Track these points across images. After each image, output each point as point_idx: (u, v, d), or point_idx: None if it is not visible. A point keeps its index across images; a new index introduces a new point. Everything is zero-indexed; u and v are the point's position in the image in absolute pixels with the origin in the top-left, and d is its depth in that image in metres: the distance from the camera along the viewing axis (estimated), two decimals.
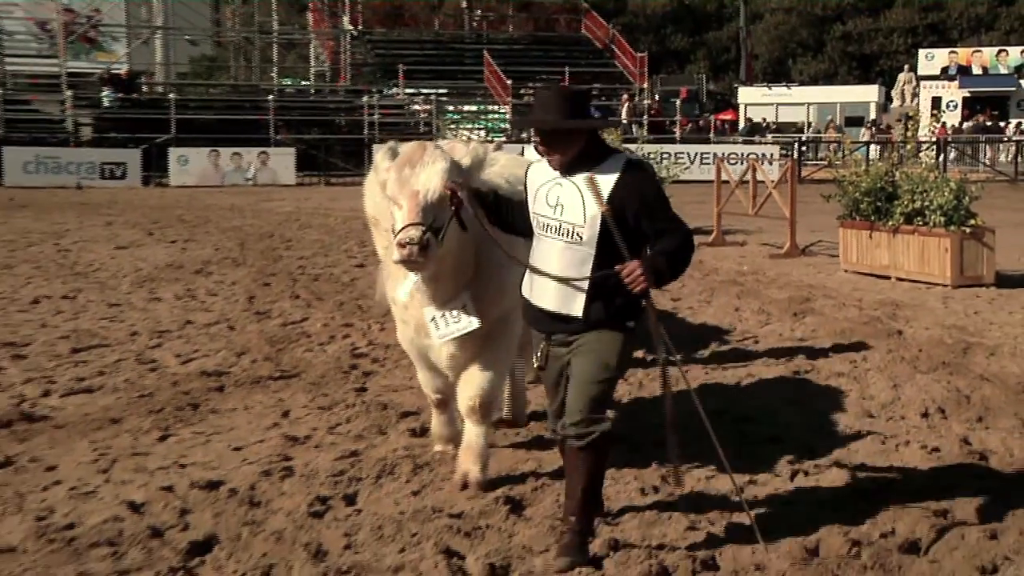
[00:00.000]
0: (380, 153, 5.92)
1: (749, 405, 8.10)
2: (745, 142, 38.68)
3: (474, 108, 39.68)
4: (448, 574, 5.04)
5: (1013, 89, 47.63)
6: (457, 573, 5.05)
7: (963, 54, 50.02)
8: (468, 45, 44.15)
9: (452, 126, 35.99)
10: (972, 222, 13.63)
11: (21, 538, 5.44)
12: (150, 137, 32.85)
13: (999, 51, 50.11)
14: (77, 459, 6.75)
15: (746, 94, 49.93)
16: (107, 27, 42.68)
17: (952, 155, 37.50)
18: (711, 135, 39.64)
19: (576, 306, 5.08)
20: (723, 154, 26.55)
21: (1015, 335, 10.63)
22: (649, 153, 21.06)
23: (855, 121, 47.16)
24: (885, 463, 6.71)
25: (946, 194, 13.66)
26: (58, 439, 7.17)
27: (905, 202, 14.00)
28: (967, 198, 13.73)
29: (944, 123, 43.26)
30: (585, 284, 5.07)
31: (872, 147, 35.94)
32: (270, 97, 36.47)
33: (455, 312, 5.94)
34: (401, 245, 5.35)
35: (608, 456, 5.37)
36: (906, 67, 51.77)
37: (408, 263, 5.42)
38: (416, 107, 38.81)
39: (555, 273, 5.09)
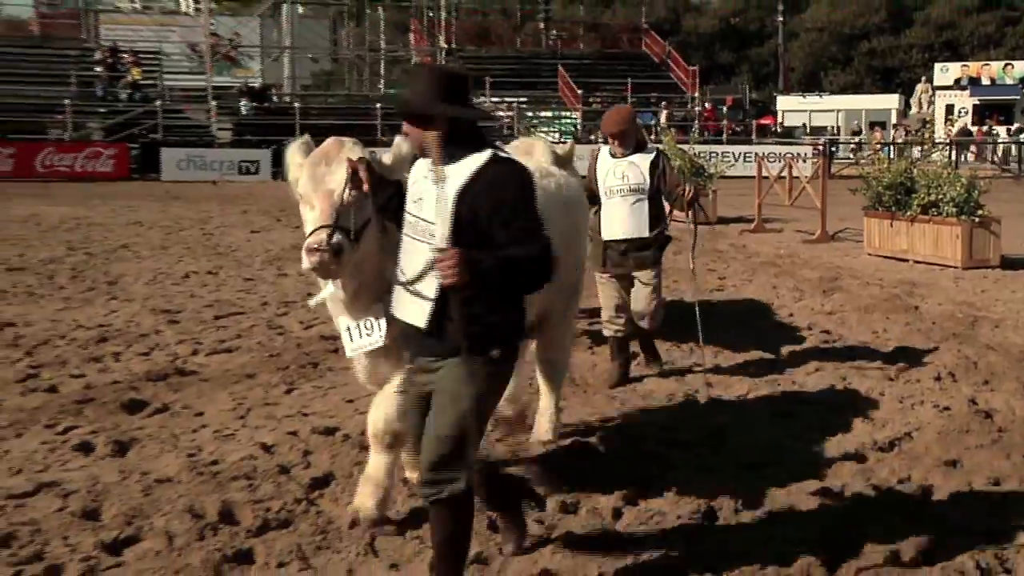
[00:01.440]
0: (292, 147, 4.72)
1: (783, 369, 8.01)
2: (783, 143, 38.08)
3: (549, 114, 39.48)
4: (525, 508, 5.04)
5: (1017, 98, 46.45)
6: (533, 508, 5.04)
7: (973, 67, 48.75)
8: (544, 60, 43.89)
9: (531, 129, 35.74)
10: (980, 212, 13.50)
11: (176, 471, 5.55)
12: (278, 139, 33.01)
13: (1005, 64, 48.80)
14: (220, 407, 6.86)
15: (784, 102, 49.20)
16: (244, 47, 43.11)
17: (970, 156, 36.90)
18: (752, 137, 39.09)
19: (420, 317, 3.81)
20: (763, 153, 26.13)
21: (1017, 310, 10.43)
22: (699, 152, 20.78)
23: (877, 125, 46.41)
24: (902, 419, 6.60)
25: (958, 188, 13.53)
26: (204, 390, 7.29)
27: (922, 195, 13.89)
28: (976, 192, 13.57)
29: (957, 127, 42.41)
30: (429, 290, 3.79)
31: (893, 147, 35.18)
32: (378, 105, 36.62)
33: (369, 323, 4.51)
34: (311, 250, 4.14)
35: (470, 513, 3.96)
36: (923, 78, 50.75)
37: (320, 269, 4.19)
38: (500, 113, 38.74)
39: (416, 279, 3.86)
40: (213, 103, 36.01)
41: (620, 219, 7.42)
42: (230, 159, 32.07)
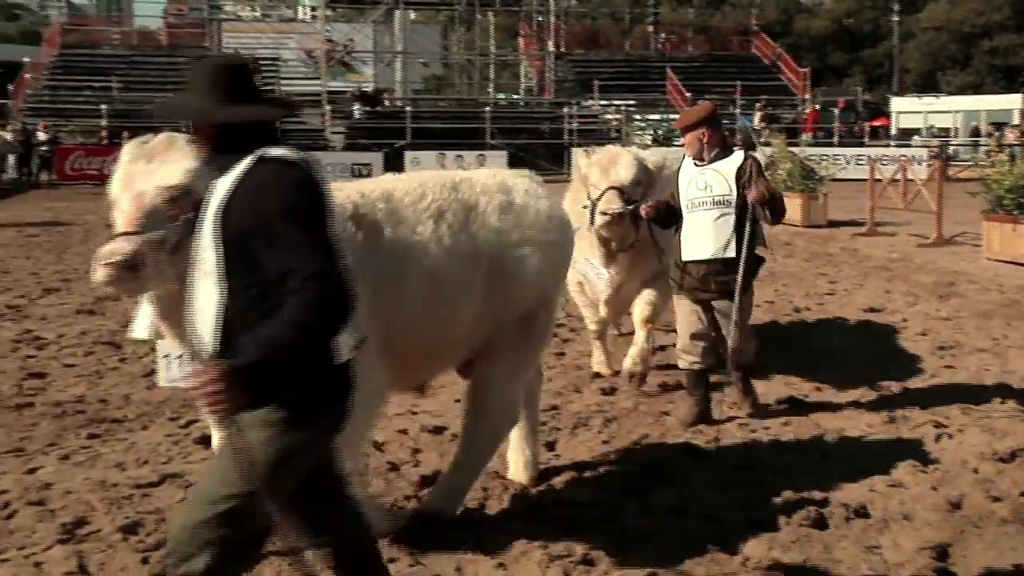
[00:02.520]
0: (128, 145, 3.93)
1: (898, 375, 7.82)
2: (897, 145, 37.15)
3: (657, 117, 39.21)
4: (636, 509, 5.04)
5: None
6: (644, 510, 5.04)
7: None
8: (653, 63, 43.64)
9: (639, 132, 35.58)
10: None
11: None
12: (390, 143, 33.67)
13: None
14: None
15: (898, 103, 47.92)
16: (358, 53, 43.91)
17: None
18: (865, 139, 38.24)
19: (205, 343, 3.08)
20: (876, 156, 25.54)
21: None
22: (810, 155, 20.40)
23: (998, 127, 44.79)
24: (1021, 429, 6.39)
25: None
26: None
27: None
28: None
29: None
30: (205, 329, 3.07)
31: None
32: (487, 109, 36.90)
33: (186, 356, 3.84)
34: (105, 261, 3.46)
35: None
36: None
37: (113, 283, 3.50)
38: (608, 116, 38.66)
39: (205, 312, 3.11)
40: (327, 107, 36.74)
41: (701, 236, 6.46)
42: (343, 162, 32.64)
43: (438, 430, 6.36)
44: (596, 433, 6.37)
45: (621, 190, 7.15)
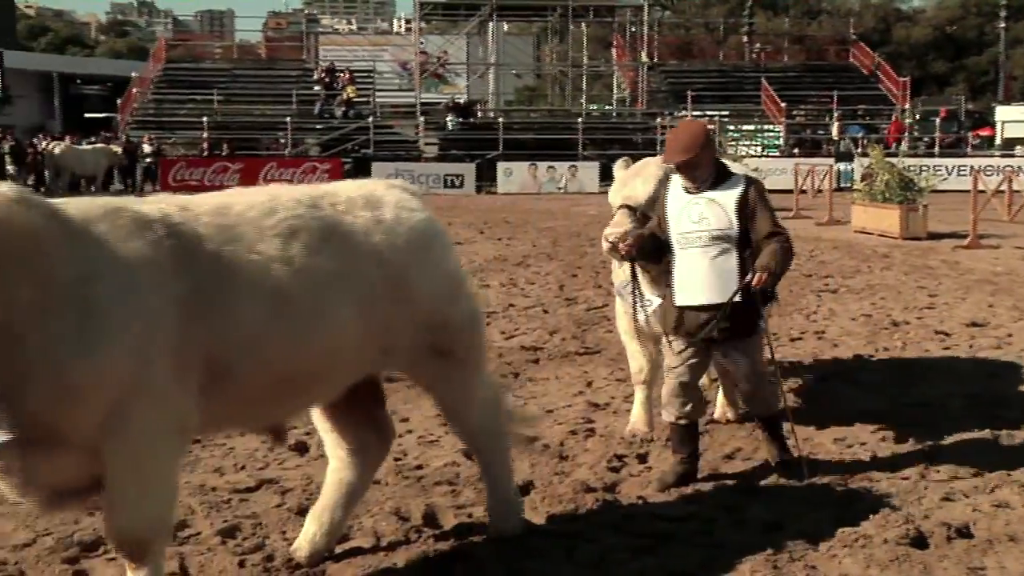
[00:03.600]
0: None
1: (1003, 391, 7.59)
2: (1002, 155, 36.11)
3: (751, 127, 38.80)
4: (729, 524, 4.98)
5: None
6: (737, 525, 4.98)
7: None
8: (747, 73, 43.17)
9: (732, 143, 35.22)
10: None
11: (383, 473, 5.70)
12: (482, 153, 33.89)
13: None
14: (425, 413, 7.01)
15: (1004, 112, 46.45)
16: (452, 65, 44.31)
17: None
18: (968, 149, 37.25)
19: None
20: (980, 166, 24.87)
21: None
22: (910, 166, 19.96)
23: None
24: None
25: None
26: (410, 396, 7.48)
27: None
28: None
29: None
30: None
31: None
32: (579, 120, 36.90)
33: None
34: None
35: None
36: None
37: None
38: None
39: None
40: (421, 119, 37.13)
41: (698, 279, 5.43)
42: (436, 173, 32.97)
43: (529, 440, 6.34)
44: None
45: (634, 209, 6.02)
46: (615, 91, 47.10)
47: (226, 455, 6.11)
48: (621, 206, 6.09)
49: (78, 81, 50.59)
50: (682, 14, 54.07)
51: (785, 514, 5.08)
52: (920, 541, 4.72)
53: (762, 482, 5.59)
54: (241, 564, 4.51)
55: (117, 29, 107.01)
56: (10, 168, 30.96)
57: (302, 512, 5.13)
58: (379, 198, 4.48)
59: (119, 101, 37.16)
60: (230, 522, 4.99)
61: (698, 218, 5.41)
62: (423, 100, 38.87)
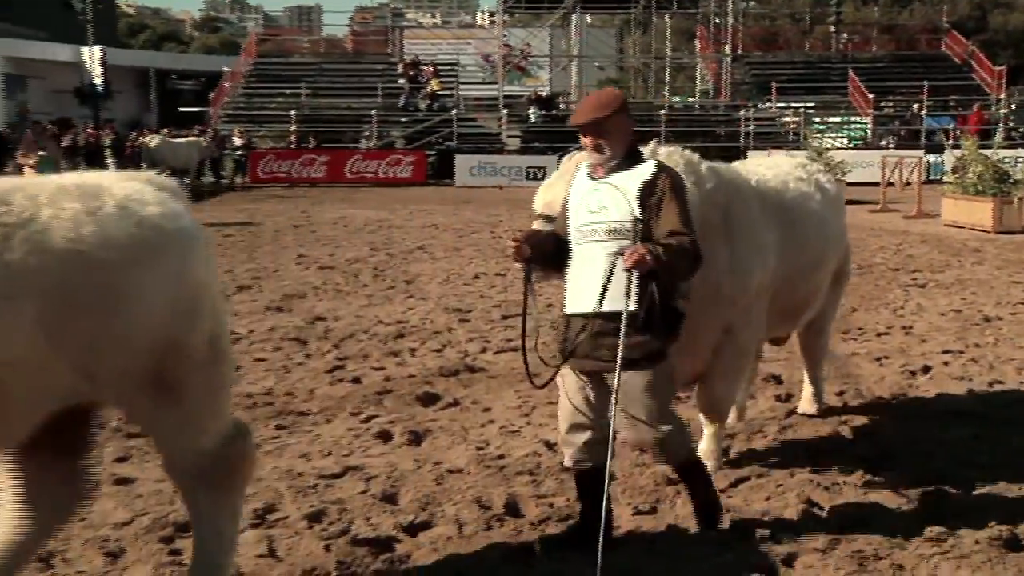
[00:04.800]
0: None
1: None
2: None
3: (837, 119, 38.09)
4: (812, 521, 4.91)
5: None
6: (820, 522, 4.90)
7: None
8: (834, 64, 42.34)
9: (817, 135, 34.61)
10: None
11: (466, 462, 5.79)
12: (564, 146, 33.75)
13: None
14: (506, 404, 7.07)
15: None
16: (534, 57, 44.31)
17: None
18: None
19: None
20: None
21: None
22: (1004, 158, 19.41)
23: None
24: None
25: None
26: (492, 387, 7.54)
27: None
28: None
29: None
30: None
31: None
32: (662, 112, 36.63)
33: None
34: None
35: None
36: None
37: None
38: (786, 119, 37.76)
39: None
40: (504, 111, 37.20)
41: (589, 279, 4.39)
42: (518, 165, 33.00)
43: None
44: (771, 440, 6.25)
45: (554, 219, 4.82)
46: (698, 83, 46.64)
47: (312, 442, 6.21)
48: (539, 216, 5.01)
49: (173, 76, 51.73)
50: (767, 5, 53.21)
51: (870, 512, 4.99)
52: (1014, 543, 4.59)
53: (845, 479, 5.50)
54: (327, 548, 4.58)
55: (210, 25, 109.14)
56: (110, 160, 31.82)
57: (386, 499, 5.23)
58: (102, 189, 3.62)
59: (211, 95, 37.92)
60: (316, 507, 5.08)
61: (597, 207, 4.40)
62: (506, 93, 38.94)
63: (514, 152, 34.83)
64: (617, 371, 4.25)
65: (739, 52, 42.67)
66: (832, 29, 46.26)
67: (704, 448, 5.54)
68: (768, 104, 37.96)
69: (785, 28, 48.75)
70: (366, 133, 34.64)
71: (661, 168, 4.45)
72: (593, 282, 4.35)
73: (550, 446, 6.03)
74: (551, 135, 34.90)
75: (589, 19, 48.54)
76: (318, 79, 38.82)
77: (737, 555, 4.49)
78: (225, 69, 39.62)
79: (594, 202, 4.41)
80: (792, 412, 6.76)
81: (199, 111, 38.24)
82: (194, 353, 3.64)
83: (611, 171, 4.42)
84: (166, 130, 34.75)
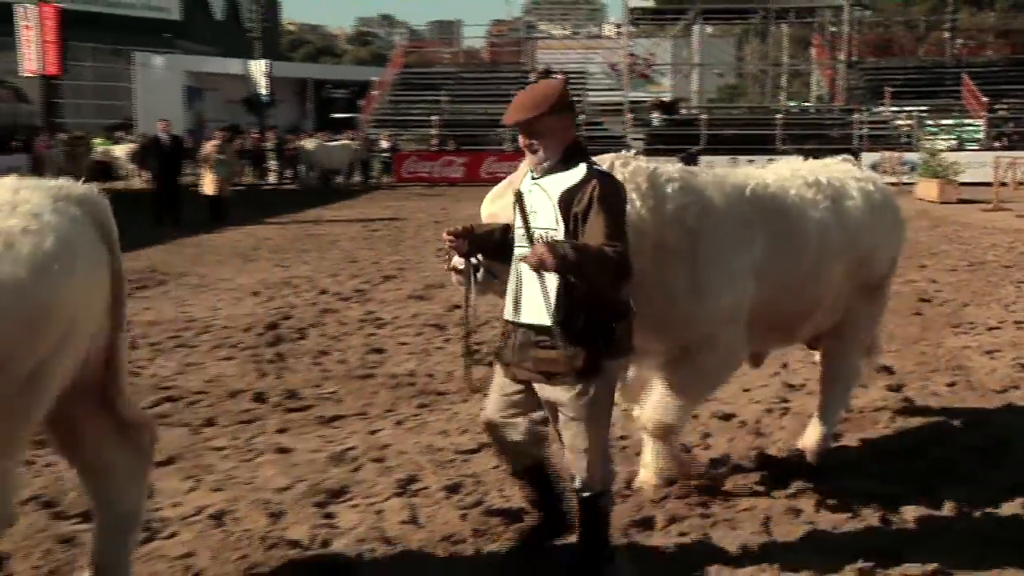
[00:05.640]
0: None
1: None
2: None
3: (950, 122, 36.53)
4: (921, 506, 4.74)
5: None
6: (928, 507, 4.72)
7: None
8: (948, 69, 40.55)
9: (929, 138, 33.24)
10: None
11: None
12: (684, 147, 33.35)
13: None
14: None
15: None
16: (657, 65, 43.85)
17: None
18: None
19: None
20: None
21: None
22: None
23: None
24: None
25: None
26: None
27: None
28: None
29: None
30: None
31: None
32: (777, 116, 35.80)
33: None
34: None
35: None
36: None
37: None
38: (899, 122, 36.42)
39: None
40: (628, 116, 36.94)
41: (518, 288, 3.90)
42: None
43: (727, 416, 6.27)
44: (882, 428, 6.05)
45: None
46: (813, 88, 45.39)
47: (450, 420, 6.28)
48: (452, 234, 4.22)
49: (328, 86, 52.97)
50: (882, 12, 51.35)
51: (979, 499, 4.79)
52: None
53: (955, 466, 5.28)
54: (463, 517, 4.64)
55: (361, 39, 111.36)
56: (273, 162, 32.82)
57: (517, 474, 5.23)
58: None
59: (361, 102, 38.74)
60: (454, 479, 5.14)
61: (530, 210, 3.88)
62: (631, 99, 38.63)
63: (639, 154, 34.48)
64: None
65: (854, 58, 41.31)
66: (947, 35, 44.38)
67: (645, 461, 4.97)
68: (882, 108, 36.68)
69: (899, 35, 46.95)
70: (500, 136, 34.86)
71: (591, 174, 3.77)
72: (523, 290, 3.87)
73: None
74: (673, 138, 34.51)
75: (710, 29, 47.75)
76: (457, 87, 39.22)
77: (848, 535, 4.36)
78: (374, 79, 40.48)
79: (528, 204, 3.89)
80: (905, 401, 6.53)
81: (350, 117, 39.14)
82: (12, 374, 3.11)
83: (545, 173, 3.86)
84: (321, 134, 35.65)
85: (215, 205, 19.66)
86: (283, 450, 5.68)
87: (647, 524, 4.59)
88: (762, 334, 5.02)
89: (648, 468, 4.99)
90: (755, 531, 4.48)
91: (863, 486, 5.02)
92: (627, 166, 4.53)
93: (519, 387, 4.00)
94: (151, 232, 17.01)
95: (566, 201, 3.75)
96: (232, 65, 47.13)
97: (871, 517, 4.59)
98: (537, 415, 4.04)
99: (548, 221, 3.78)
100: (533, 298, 3.79)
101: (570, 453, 3.96)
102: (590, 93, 39.58)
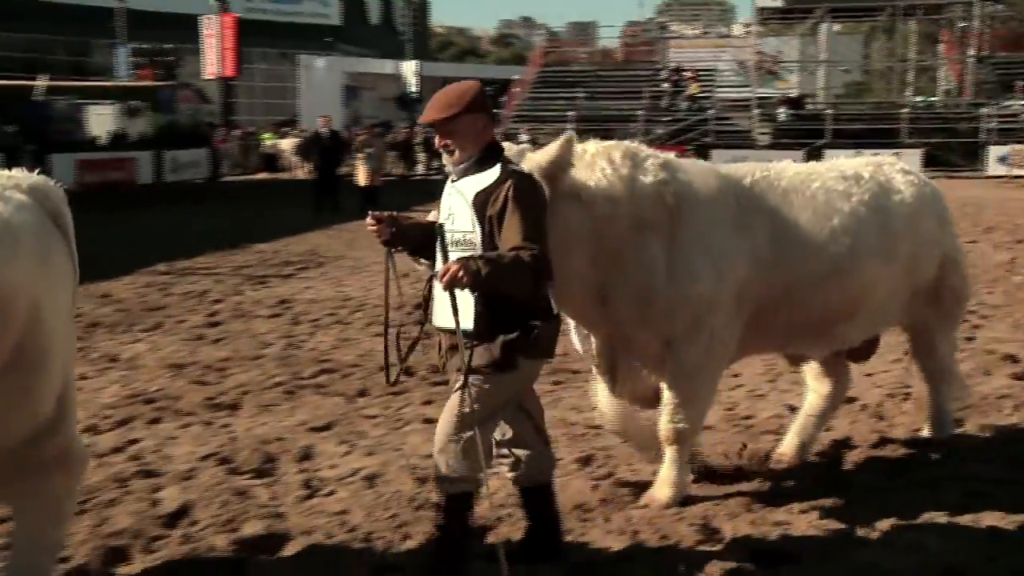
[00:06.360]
0: None
1: None
2: None
3: None
4: None
5: None
6: None
7: None
8: None
9: None
10: None
11: (716, 420, 5.69)
12: (810, 142, 32.34)
13: None
14: (754, 370, 6.89)
15: None
16: (785, 63, 42.59)
17: None
18: None
19: None
20: None
21: None
22: None
23: None
24: None
25: None
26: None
27: None
28: None
29: None
30: None
31: None
32: (904, 111, 34.29)
33: None
34: None
35: None
36: None
37: None
38: None
39: None
40: (755, 111, 36.06)
41: (439, 294, 3.60)
42: (767, 159, 31.77)
43: (848, 400, 6.04)
44: (1006, 416, 5.75)
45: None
46: (941, 83, 43.24)
47: (582, 396, 6.23)
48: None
49: None
50: (1013, 7, 48.41)
51: None
52: None
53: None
54: (594, 487, 4.64)
55: (504, 40, 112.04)
56: (421, 154, 33.44)
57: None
58: None
59: (503, 99, 39.02)
60: (586, 452, 5.15)
61: (447, 213, 3.62)
62: (758, 95, 37.68)
63: (764, 147, 33.66)
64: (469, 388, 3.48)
65: (983, 53, 39.10)
66: None
67: (661, 475, 4.48)
68: (1010, 102, 34.66)
69: None
70: (633, 131, 34.59)
71: (506, 174, 3.50)
72: (440, 296, 3.57)
73: (793, 409, 5.82)
74: (799, 132, 33.55)
75: (837, 27, 46.03)
76: (593, 84, 39.01)
77: (973, 517, 4.16)
78: (515, 77, 40.68)
79: (446, 207, 3.62)
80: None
81: (493, 113, 39.41)
82: None
83: (462, 175, 3.58)
84: None
85: (368, 194, 20.14)
86: (429, 420, 5.78)
87: (773, 501, 4.48)
88: (782, 332, 4.59)
89: (661, 482, 4.48)
90: (882, 514, 4.32)
91: (988, 471, 4.78)
92: (602, 143, 4.22)
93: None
94: (312, 218, 17.60)
95: (481, 203, 3.48)
96: (386, 66, 48.18)
97: (999, 502, 4.37)
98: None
99: (465, 224, 3.51)
100: (447, 302, 3.45)
101: (444, 440, 3.62)
102: (719, 89, 38.76)
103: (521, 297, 3.44)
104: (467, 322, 3.46)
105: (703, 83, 37.42)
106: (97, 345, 7.90)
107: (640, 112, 34.60)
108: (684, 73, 37.61)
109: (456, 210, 3.55)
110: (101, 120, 29.84)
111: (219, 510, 4.41)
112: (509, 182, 3.46)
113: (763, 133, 35.04)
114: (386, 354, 3.81)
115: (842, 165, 4.97)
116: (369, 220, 3.63)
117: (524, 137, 33.32)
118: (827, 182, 4.66)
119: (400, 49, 51.02)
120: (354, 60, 48.70)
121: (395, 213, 3.70)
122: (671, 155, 4.57)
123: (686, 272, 4.12)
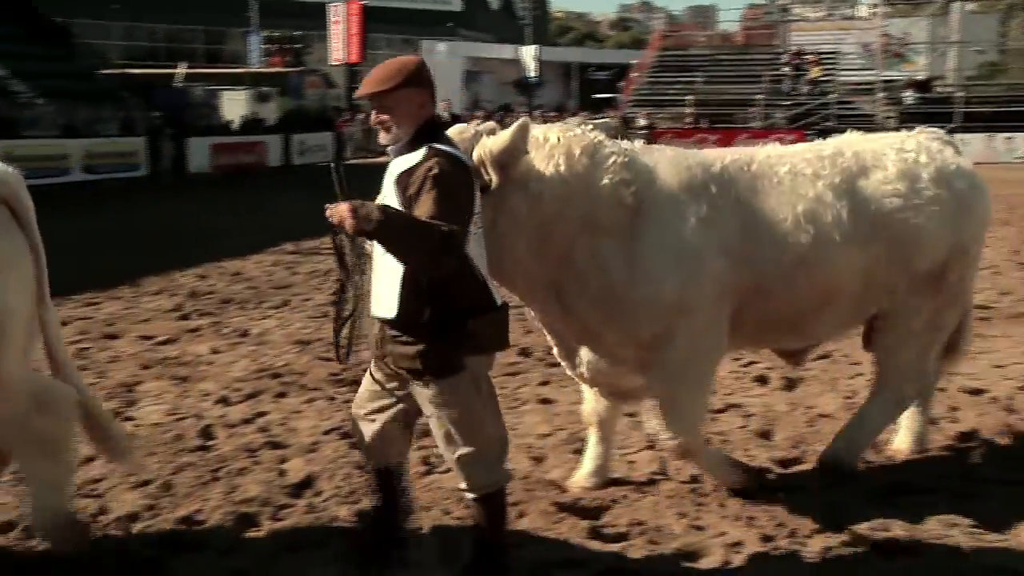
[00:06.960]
0: None
1: None
2: None
3: None
4: None
5: None
6: None
7: None
8: None
9: None
10: None
11: (835, 408, 5.54)
12: (939, 126, 30.83)
13: None
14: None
15: None
16: (912, 44, 40.78)
17: None
18: None
19: None
20: None
21: None
22: None
23: None
24: None
25: None
26: (858, 342, 7.08)
27: None
28: None
29: None
30: None
31: None
32: None
33: None
34: None
35: None
36: None
37: None
38: None
39: None
40: (880, 95, 34.67)
41: (374, 280, 3.37)
42: None
43: (976, 392, 5.80)
44: None
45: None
46: None
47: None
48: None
49: (591, 68, 53.22)
50: None
51: None
52: None
53: None
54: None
55: (623, 25, 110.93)
56: None
57: (762, 435, 5.10)
58: None
59: (621, 84, 38.67)
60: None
61: (383, 194, 3.32)
62: (883, 78, 36.20)
63: (888, 130, 32.40)
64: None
65: None
66: None
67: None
68: None
69: None
70: (752, 115, 33.77)
71: (431, 153, 3.21)
72: (375, 281, 3.33)
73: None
74: (925, 116, 32.04)
75: (971, 7, 43.78)
76: (712, 68, 38.22)
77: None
78: (634, 61, 40.23)
79: (383, 188, 3.33)
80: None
81: (611, 97, 39.14)
82: None
83: (398, 154, 3.29)
84: (584, 113, 35.90)
85: None
86: (545, 400, 5.79)
87: (899, 490, 4.31)
88: (766, 330, 4.22)
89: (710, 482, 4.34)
90: (1009, 511, 4.11)
91: None
92: (566, 132, 3.87)
93: (390, 383, 3.46)
94: None
95: (403, 184, 3.21)
96: (505, 50, 48.39)
97: None
98: (397, 415, 3.51)
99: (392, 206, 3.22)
100: (383, 290, 3.25)
101: (444, 454, 3.45)
102: (842, 73, 37.42)
103: (416, 268, 3.14)
104: (390, 310, 3.24)
105: (826, 67, 36.21)
106: (229, 320, 8.21)
107: (759, 96, 33.71)
108: (806, 56, 36.49)
109: (387, 191, 3.29)
110: (234, 105, 30.99)
111: (341, 482, 4.53)
112: (431, 162, 3.18)
113: (888, 117, 33.68)
114: (336, 334, 3.46)
115: (843, 142, 4.45)
116: (328, 206, 3.17)
117: (642, 121, 33.02)
118: (797, 165, 4.19)
119: (520, 34, 51.11)
120: (474, 45, 49.11)
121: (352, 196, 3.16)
122: (639, 145, 4.24)
123: (649, 275, 3.80)
